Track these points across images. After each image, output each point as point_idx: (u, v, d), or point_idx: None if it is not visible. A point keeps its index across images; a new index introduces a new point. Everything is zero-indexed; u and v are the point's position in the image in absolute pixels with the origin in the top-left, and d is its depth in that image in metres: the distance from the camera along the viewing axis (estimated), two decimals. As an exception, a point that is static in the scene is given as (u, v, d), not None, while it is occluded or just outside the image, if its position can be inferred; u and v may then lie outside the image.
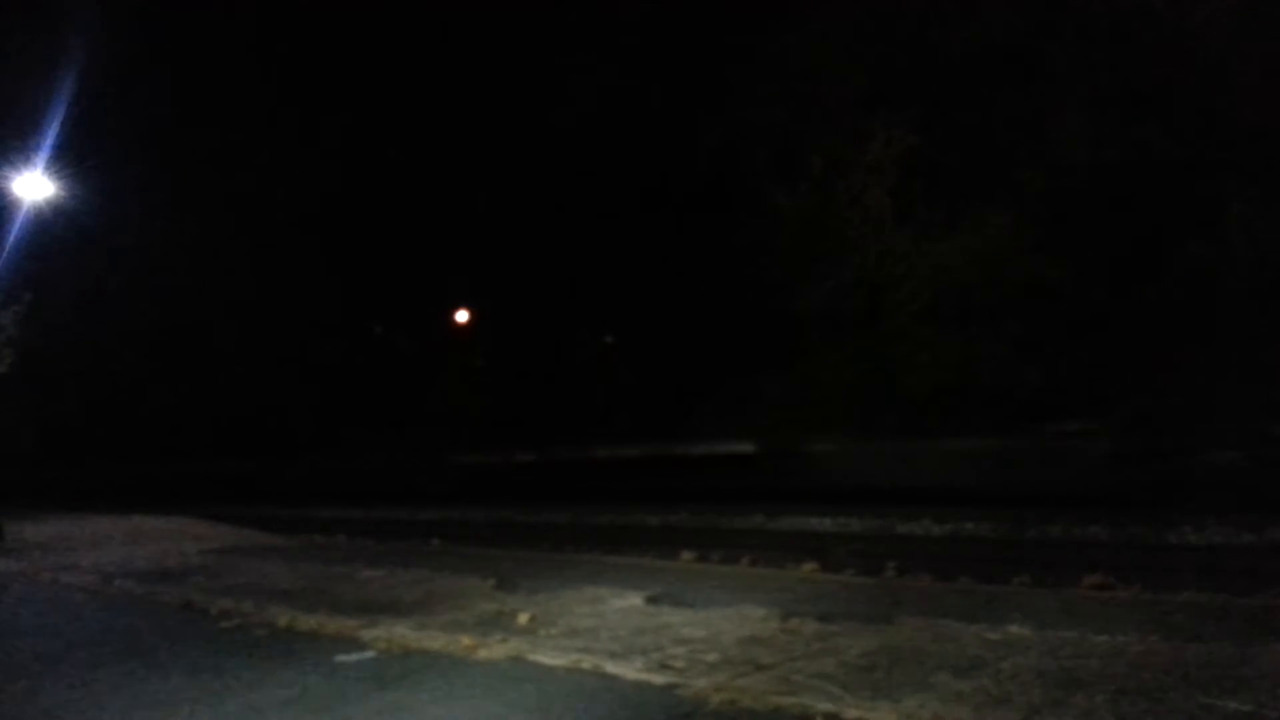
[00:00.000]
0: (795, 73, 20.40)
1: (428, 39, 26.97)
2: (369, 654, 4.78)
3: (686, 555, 9.08)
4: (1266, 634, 4.21)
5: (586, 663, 4.31)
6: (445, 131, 26.91)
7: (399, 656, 4.70)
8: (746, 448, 19.16)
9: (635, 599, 5.79)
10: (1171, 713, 3.24)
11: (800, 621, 4.93)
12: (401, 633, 5.13)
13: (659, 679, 4.02)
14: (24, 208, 14.27)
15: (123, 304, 28.63)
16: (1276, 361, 14.23)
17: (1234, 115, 15.97)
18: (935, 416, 17.61)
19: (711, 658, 4.29)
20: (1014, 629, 4.53)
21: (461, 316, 28.95)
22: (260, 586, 7.08)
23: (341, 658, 4.71)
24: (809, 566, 7.88)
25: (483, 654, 4.61)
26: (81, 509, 17.08)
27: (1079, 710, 3.32)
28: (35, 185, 14.31)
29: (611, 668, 4.22)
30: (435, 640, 4.92)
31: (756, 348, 20.72)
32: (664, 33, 22.79)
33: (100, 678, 4.56)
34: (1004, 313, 17.91)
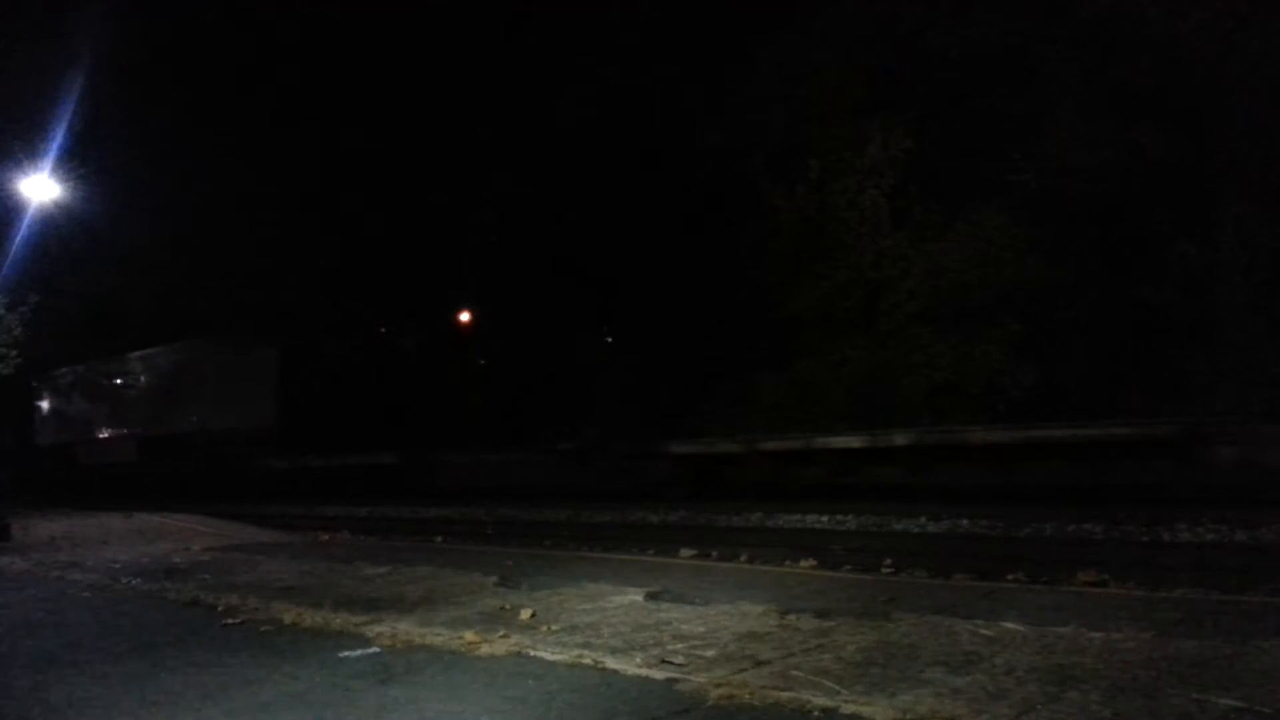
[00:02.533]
0: (793, 76, 20.50)
1: (429, 40, 27.05)
2: (373, 650, 4.83)
3: (686, 553, 9.14)
4: (1260, 631, 4.25)
5: (587, 658, 4.37)
6: (447, 132, 27.01)
7: (403, 652, 4.75)
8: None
9: (635, 595, 5.85)
10: (1165, 708, 3.28)
11: (798, 618, 4.99)
12: (405, 629, 5.19)
13: (659, 674, 4.07)
14: (31, 209, 14.32)
15: (128, 305, 28.67)
16: (1270, 362, 14.32)
17: (1228, 117, 16.05)
18: (932, 416, 17.69)
19: (710, 653, 4.35)
20: (1009, 625, 4.58)
21: (463, 316, 29.12)
22: (265, 583, 7.14)
23: (346, 654, 4.76)
24: (807, 563, 7.96)
25: (485, 650, 4.67)
26: (89, 507, 17.11)
27: (1073, 705, 3.37)
28: (42, 187, 14.37)
29: (612, 663, 4.28)
30: (438, 636, 4.98)
31: (754, 348, 20.79)
32: (663, 35, 22.88)
33: (107, 674, 4.60)
34: (1000, 313, 18.01)
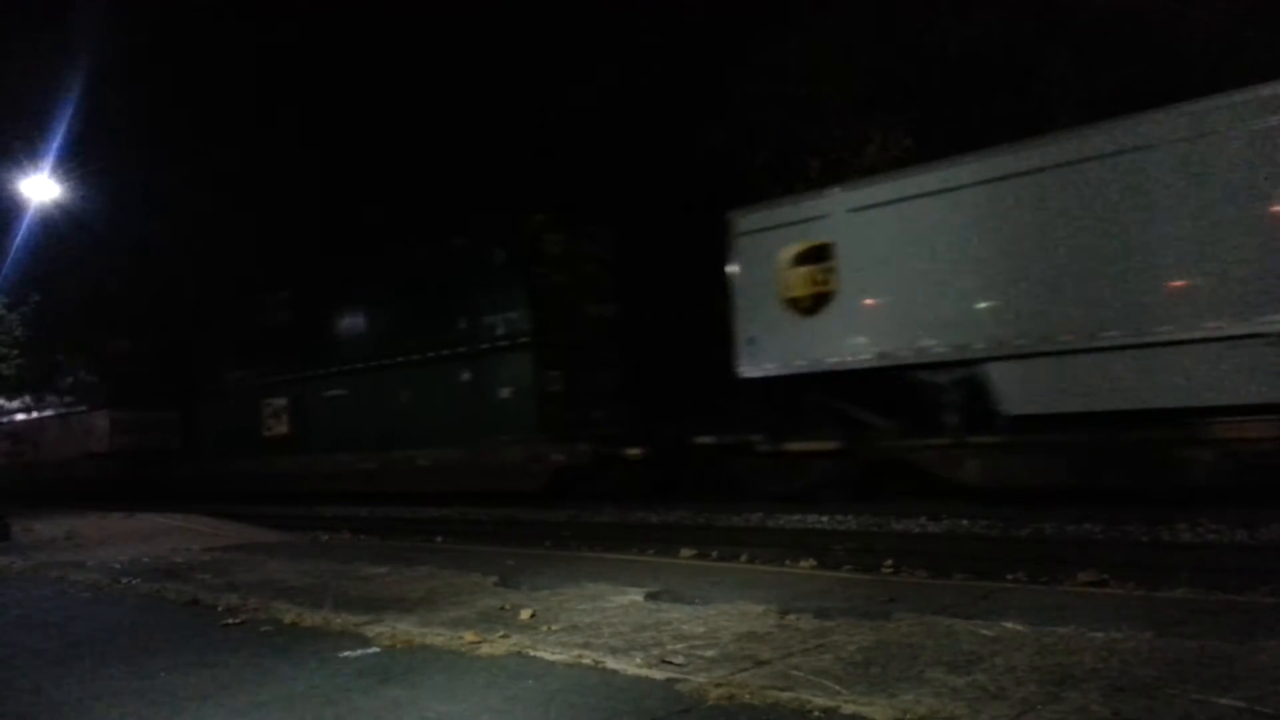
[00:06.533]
0: (793, 76, 20.49)
1: (430, 39, 27.08)
2: (373, 650, 4.83)
3: (686, 553, 9.13)
4: (1260, 631, 4.25)
5: (587, 658, 4.37)
6: (446, 132, 27.03)
7: (403, 652, 4.76)
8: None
9: (635, 595, 5.86)
10: (1165, 708, 3.28)
11: (798, 617, 4.99)
12: (405, 629, 5.19)
13: (658, 674, 4.07)
14: (31, 209, 14.35)
15: (128, 305, 28.63)
16: None
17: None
18: None
19: (710, 653, 4.35)
20: (1009, 625, 4.58)
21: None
22: (265, 583, 7.14)
23: (346, 654, 4.77)
24: (807, 563, 7.96)
25: (485, 650, 4.67)
26: (89, 507, 17.12)
27: (1073, 705, 3.37)
28: (42, 187, 14.39)
29: (612, 663, 4.28)
30: (438, 636, 4.98)
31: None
32: (663, 36, 22.89)
33: (106, 674, 4.61)
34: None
